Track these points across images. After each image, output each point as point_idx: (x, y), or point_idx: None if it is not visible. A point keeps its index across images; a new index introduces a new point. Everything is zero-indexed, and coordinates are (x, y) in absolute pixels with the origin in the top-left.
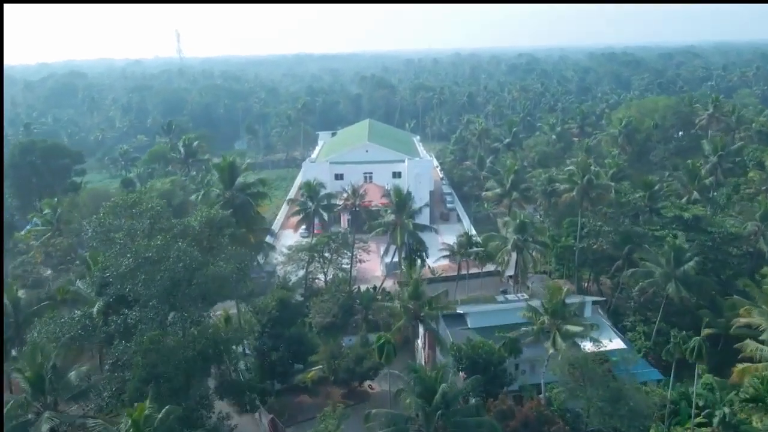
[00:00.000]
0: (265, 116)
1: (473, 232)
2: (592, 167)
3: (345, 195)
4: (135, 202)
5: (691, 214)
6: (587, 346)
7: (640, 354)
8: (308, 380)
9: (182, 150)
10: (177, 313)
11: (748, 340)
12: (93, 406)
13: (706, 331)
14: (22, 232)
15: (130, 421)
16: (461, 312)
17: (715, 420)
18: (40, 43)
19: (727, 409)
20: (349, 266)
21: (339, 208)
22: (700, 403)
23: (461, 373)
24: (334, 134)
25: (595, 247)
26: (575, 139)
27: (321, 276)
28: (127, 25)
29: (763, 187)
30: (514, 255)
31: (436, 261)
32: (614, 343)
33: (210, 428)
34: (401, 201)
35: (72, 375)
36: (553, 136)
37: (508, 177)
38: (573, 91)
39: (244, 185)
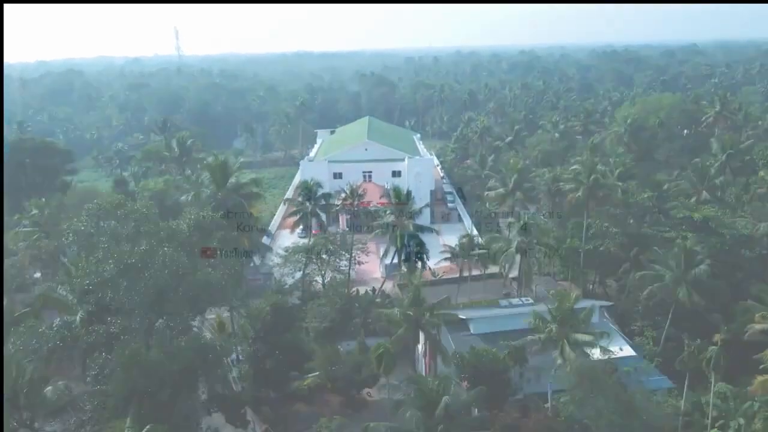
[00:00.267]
0: (264, 114)
1: (475, 232)
2: (598, 166)
3: (343, 195)
4: (119, 203)
5: (702, 215)
6: (596, 353)
7: (653, 363)
8: (305, 388)
9: (176, 148)
10: (163, 321)
11: None
12: (74, 421)
13: (719, 338)
14: (9, 234)
15: None
16: (463, 317)
17: (730, 431)
18: (39, 41)
19: (742, 420)
20: (347, 268)
21: (337, 208)
22: (714, 414)
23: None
24: (333, 132)
25: (601, 248)
26: (578, 137)
27: (318, 278)
28: (126, 24)
29: None
30: (517, 257)
31: (437, 263)
32: (624, 350)
33: None
34: (401, 201)
35: (49, 390)
36: (556, 134)
37: (511, 176)
38: (575, 88)
39: (236, 185)
